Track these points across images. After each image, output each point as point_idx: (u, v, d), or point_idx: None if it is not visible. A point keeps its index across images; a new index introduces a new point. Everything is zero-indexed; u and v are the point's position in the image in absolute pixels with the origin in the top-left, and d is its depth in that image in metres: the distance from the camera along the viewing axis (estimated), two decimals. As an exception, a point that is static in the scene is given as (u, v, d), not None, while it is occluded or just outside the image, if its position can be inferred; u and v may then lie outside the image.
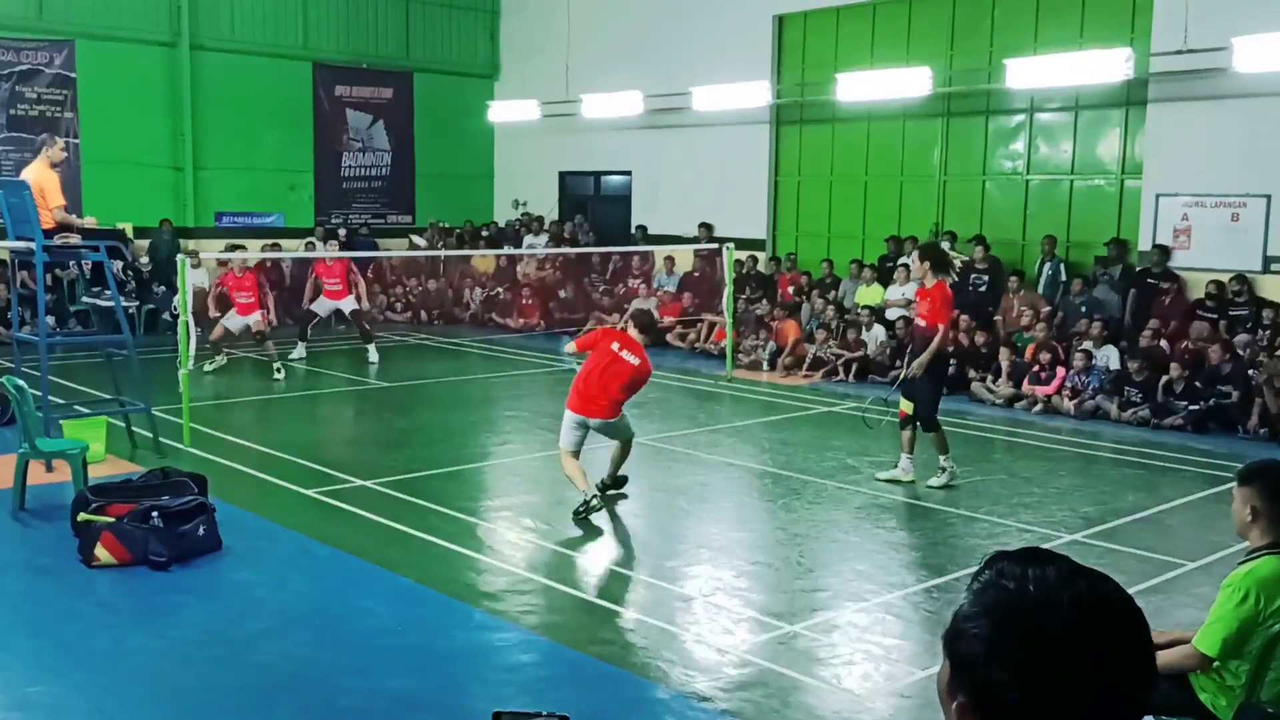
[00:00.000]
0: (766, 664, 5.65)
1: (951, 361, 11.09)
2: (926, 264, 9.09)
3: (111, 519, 7.05)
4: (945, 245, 13.08)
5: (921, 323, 9.19)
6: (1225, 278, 13.19)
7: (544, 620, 6.24)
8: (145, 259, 18.21)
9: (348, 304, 15.68)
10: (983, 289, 14.87)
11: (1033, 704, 1.19)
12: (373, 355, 15.43)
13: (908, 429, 9.19)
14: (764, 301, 16.49)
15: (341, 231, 20.77)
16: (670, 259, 18.72)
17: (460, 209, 22.35)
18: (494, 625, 6.16)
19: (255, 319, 14.58)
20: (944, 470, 9.12)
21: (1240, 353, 12.12)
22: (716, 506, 8.84)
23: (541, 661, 5.70)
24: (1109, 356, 12.80)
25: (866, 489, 9.08)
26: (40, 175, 9.91)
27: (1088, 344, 12.90)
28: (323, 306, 15.81)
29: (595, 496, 8.13)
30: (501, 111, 21.65)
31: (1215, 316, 12.94)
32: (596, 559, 7.51)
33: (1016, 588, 1.24)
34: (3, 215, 10.20)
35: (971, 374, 13.46)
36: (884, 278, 16.10)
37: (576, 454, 8.35)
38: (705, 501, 8.93)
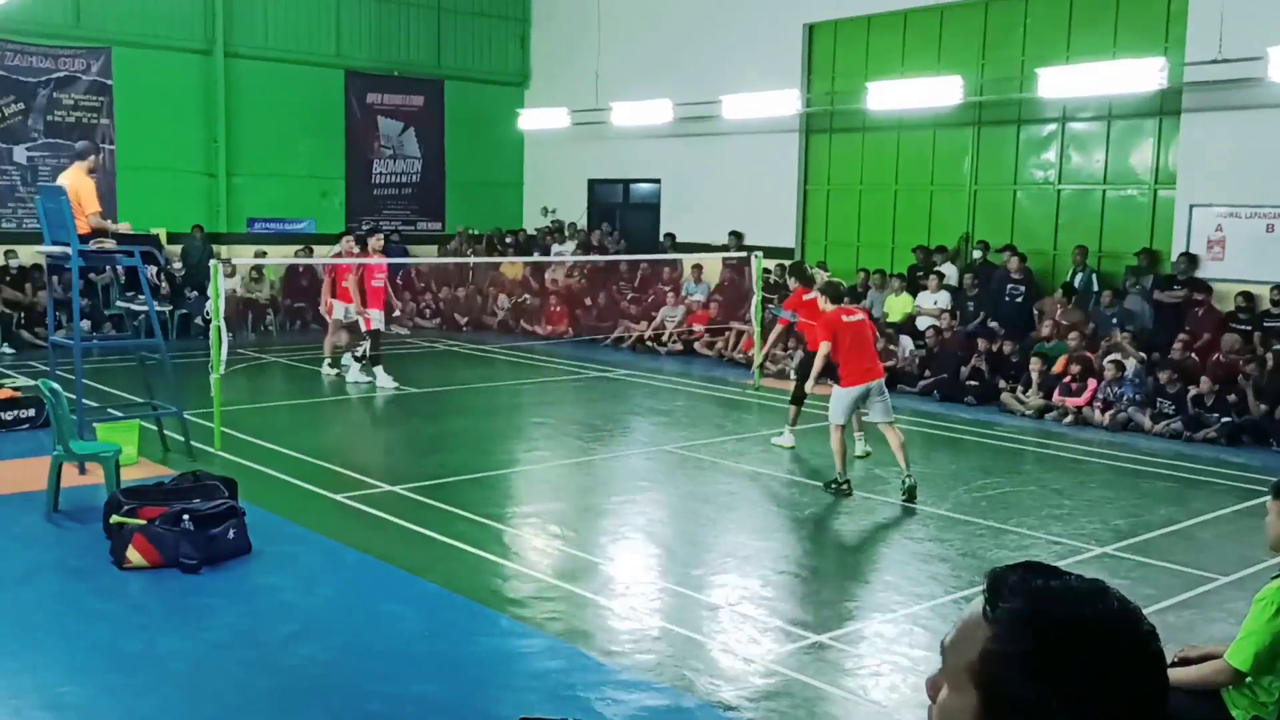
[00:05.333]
0: (793, 674, 5.63)
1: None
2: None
3: (143, 521, 7.12)
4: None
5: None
6: (1265, 289, 13.02)
7: (570, 627, 6.24)
8: (178, 264, 18.40)
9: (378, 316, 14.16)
10: (1019, 299, 14.75)
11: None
12: (383, 380, 13.92)
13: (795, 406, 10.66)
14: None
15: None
16: (698, 267, 18.72)
17: (490, 216, 22.45)
18: (520, 631, 6.18)
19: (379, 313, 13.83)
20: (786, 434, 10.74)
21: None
22: (743, 515, 8.82)
23: (567, 668, 5.70)
24: (1133, 367, 12.66)
25: (894, 499, 9.04)
26: (77, 181, 10.03)
27: (1118, 355, 12.78)
28: (378, 317, 14.08)
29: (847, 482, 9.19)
30: (531, 119, 21.73)
31: (1249, 329, 12.80)
32: (622, 566, 7.51)
33: (1040, 608, 1.23)
34: (40, 220, 10.35)
35: (1002, 384, 13.37)
36: (912, 287, 16.02)
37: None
38: (732, 510, 8.92)
